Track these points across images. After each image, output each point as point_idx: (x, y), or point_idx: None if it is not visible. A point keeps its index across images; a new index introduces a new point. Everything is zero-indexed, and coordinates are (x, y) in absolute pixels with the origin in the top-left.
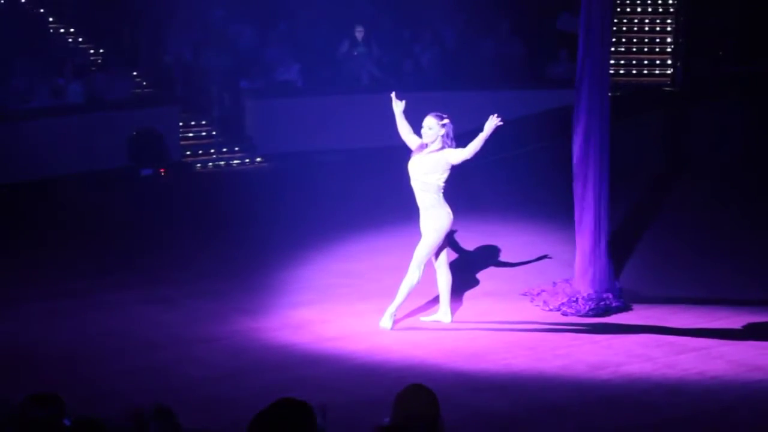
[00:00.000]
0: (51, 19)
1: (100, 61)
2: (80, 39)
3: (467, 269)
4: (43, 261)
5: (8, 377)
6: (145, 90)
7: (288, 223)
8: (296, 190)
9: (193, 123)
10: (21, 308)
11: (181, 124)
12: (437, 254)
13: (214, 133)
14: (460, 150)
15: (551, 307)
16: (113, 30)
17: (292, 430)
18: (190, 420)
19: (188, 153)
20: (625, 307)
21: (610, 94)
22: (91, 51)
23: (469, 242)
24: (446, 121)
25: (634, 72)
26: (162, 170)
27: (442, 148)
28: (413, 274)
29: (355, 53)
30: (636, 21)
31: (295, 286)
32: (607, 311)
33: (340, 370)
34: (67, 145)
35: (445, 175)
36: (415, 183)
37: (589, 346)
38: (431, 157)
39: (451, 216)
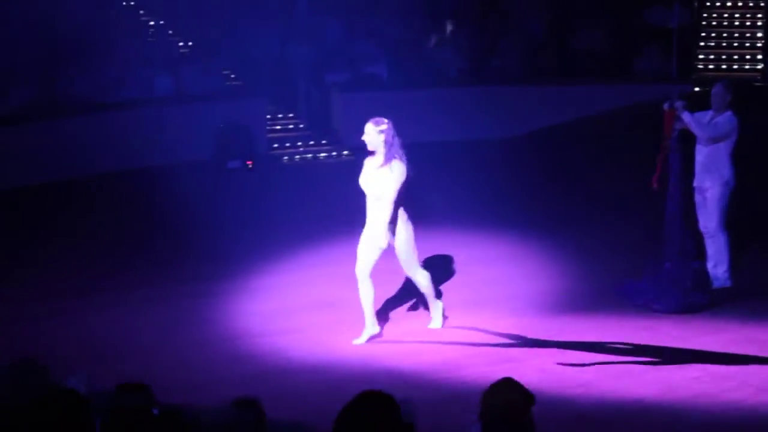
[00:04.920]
0: (141, 12)
1: (188, 53)
2: (170, 32)
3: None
4: (127, 252)
5: (95, 368)
6: (233, 83)
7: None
8: None
9: (280, 116)
10: (102, 298)
11: (268, 116)
12: (367, 264)
13: (301, 125)
14: (396, 191)
15: (638, 303)
16: (202, 23)
17: (378, 421)
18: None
19: (275, 146)
20: (711, 304)
21: (698, 89)
22: (180, 44)
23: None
24: (384, 126)
25: (723, 67)
26: (249, 162)
27: (390, 160)
28: (420, 276)
29: (442, 47)
30: (726, 15)
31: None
32: (693, 308)
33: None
34: (156, 136)
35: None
36: (369, 198)
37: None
38: (380, 173)
39: (410, 225)
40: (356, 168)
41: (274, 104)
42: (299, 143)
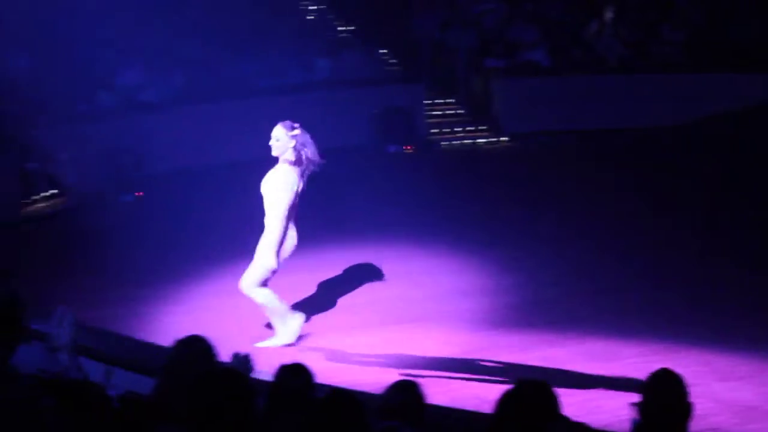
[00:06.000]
0: None
1: (349, 38)
2: (330, 16)
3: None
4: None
5: None
6: (392, 67)
7: (530, 205)
8: (538, 171)
9: (439, 101)
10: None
11: (427, 101)
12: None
13: (460, 111)
14: (286, 197)
15: None
16: (362, 7)
17: (538, 407)
18: None
19: (434, 131)
20: None
21: None
22: (341, 28)
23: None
24: (297, 132)
25: None
26: (407, 147)
27: (293, 163)
28: (261, 298)
29: (604, 34)
30: None
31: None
32: None
33: None
34: (315, 120)
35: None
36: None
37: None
38: (275, 173)
39: (295, 238)
40: (514, 153)
41: (432, 89)
42: (458, 129)
